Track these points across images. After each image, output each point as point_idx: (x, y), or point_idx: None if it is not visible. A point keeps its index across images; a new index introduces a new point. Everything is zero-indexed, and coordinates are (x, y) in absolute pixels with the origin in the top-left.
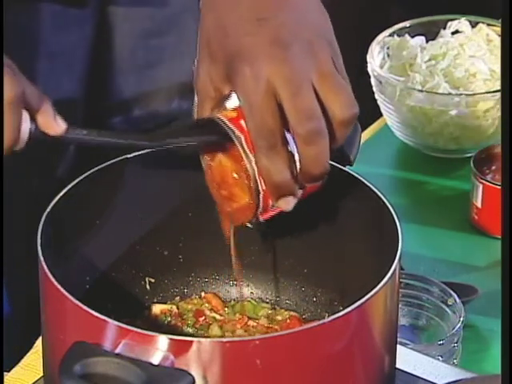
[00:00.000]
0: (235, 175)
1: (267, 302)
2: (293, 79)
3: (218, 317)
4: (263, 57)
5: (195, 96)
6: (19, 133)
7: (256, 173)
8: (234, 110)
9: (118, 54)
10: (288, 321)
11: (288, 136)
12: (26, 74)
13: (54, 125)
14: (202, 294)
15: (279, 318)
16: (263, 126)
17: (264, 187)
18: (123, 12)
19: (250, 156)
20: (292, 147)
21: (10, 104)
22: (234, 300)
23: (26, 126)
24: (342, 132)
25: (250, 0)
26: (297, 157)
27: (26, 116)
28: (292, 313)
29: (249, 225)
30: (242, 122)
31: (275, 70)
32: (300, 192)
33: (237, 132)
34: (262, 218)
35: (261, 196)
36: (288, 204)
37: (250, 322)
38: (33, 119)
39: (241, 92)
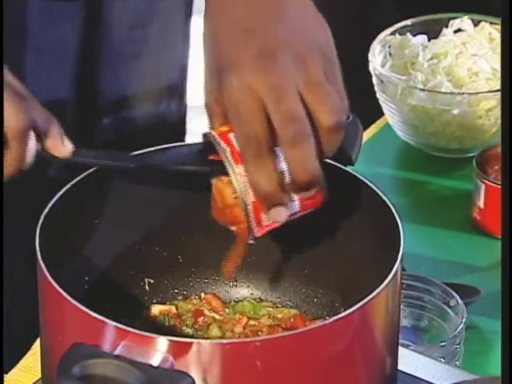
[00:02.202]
0: (233, 195)
1: (268, 302)
2: (277, 87)
3: (217, 317)
4: (249, 67)
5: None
6: (25, 158)
7: (241, 184)
8: (228, 124)
9: (107, 47)
10: (292, 320)
11: (278, 150)
12: (15, 71)
13: (61, 147)
14: (202, 294)
15: (280, 315)
16: (249, 134)
17: (253, 199)
18: (110, 4)
19: (235, 167)
20: (281, 159)
21: (17, 134)
22: (235, 301)
23: (33, 148)
24: (329, 139)
25: (238, 11)
26: (285, 167)
27: (32, 140)
28: (294, 310)
29: (250, 241)
30: (231, 135)
31: (261, 79)
32: (294, 204)
33: (222, 144)
34: (257, 234)
35: (249, 208)
36: (279, 215)
37: (251, 322)
38: (39, 140)
39: (228, 103)
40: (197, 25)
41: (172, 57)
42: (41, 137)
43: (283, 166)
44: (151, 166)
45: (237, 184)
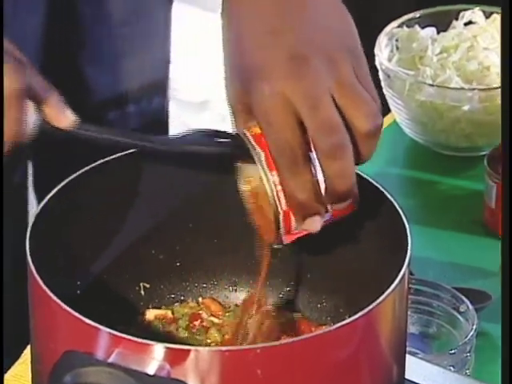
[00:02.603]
0: (265, 199)
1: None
2: (311, 93)
3: (216, 320)
4: (280, 73)
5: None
6: (22, 125)
7: (275, 192)
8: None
9: (91, 44)
10: (297, 325)
11: (313, 155)
12: None
13: (62, 117)
14: (200, 299)
15: (283, 320)
16: (283, 144)
17: (284, 208)
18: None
19: (269, 175)
20: (316, 166)
21: (12, 97)
22: (236, 305)
23: (31, 118)
24: (367, 145)
25: (265, 12)
26: (321, 176)
27: (30, 108)
28: (297, 315)
29: (275, 246)
30: (265, 139)
31: (292, 86)
32: (327, 213)
33: (257, 149)
34: (285, 241)
35: (280, 217)
36: (314, 224)
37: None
38: (38, 109)
39: (259, 110)
40: (178, 16)
41: (155, 52)
42: (40, 105)
43: (319, 175)
44: (158, 145)
45: (270, 191)
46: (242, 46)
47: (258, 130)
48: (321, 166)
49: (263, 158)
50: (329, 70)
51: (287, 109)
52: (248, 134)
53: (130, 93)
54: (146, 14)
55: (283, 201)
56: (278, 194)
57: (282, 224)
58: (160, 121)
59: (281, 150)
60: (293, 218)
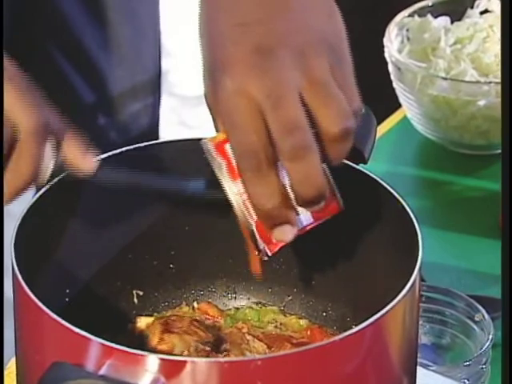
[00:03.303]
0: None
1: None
2: (274, 90)
3: (211, 325)
4: (244, 68)
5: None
6: (40, 168)
7: (241, 203)
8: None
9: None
10: (308, 332)
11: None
12: None
13: (83, 160)
14: (195, 304)
15: (289, 325)
16: (245, 146)
17: (255, 218)
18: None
19: (232, 185)
20: (284, 173)
21: (30, 134)
22: (236, 308)
23: (49, 160)
24: (334, 148)
25: (234, 4)
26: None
27: (49, 149)
28: (303, 321)
29: (264, 257)
30: (228, 146)
31: (256, 81)
32: (306, 217)
33: (218, 159)
34: (270, 252)
35: (253, 228)
36: (284, 234)
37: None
38: (57, 154)
39: (222, 108)
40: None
41: (147, 49)
42: (59, 145)
43: (286, 180)
44: (182, 190)
45: (235, 202)
46: (210, 41)
47: (222, 137)
48: (287, 171)
49: (224, 168)
50: (298, 66)
51: (250, 107)
52: (209, 143)
53: (121, 95)
54: (134, 10)
55: (252, 211)
56: (245, 204)
57: (257, 235)
58: (153, 120)
59: (243, 153)
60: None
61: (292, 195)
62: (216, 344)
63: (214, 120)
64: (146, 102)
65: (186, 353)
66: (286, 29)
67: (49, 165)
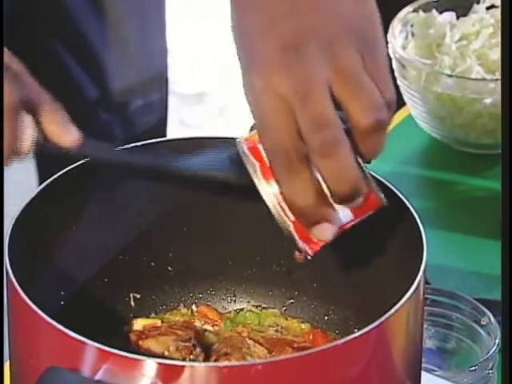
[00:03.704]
0: None
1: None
2: (302, 86)
3: (209, 328)
4: (272, 65)
5: None
6: (18, 140)
7: (277, 204)
8: None
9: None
10: (311, 336)
11: None
12: None
13: (64, 134)
14: (194, 307)
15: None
16: (276, 146)
17: (292, 218)
18: None
19: (266, 186)
20: None
21: (8, 110)
22: (235, 311)
23: (29, 133)
24: (367, 141)
25: (261, 0)
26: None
27: (28, 123)
28: (305, 325)
29: (308, 257)
30: (261, 146)
31: (284, 79)
32: (345, 214)
33: (251, 159)
34: (311, 251)
35: (292, 229)
36: (323, 233)
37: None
38: (38, 123)
39: (253, 107)
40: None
41: (153, 44)
42: (38, 119)
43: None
44: (172, 167)
45: (270, 204)
46: (242, 38)
47: (256, 136)
48: (318, 169)
49: (258, 169)
50: (327, 58)
51: (279, 105)
52: (243, 143)
53: (127, 91)
54: (140, 5)
55: (288, 211)
56: (281, 205)
57: (296, 236)
58: (160, 116)
59: (274, 152)
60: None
61: (328, 192)
62: (201, 343)
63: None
64: (154, 98)
65: (166, 353)
66: (313, 21)
67: (29, 138)
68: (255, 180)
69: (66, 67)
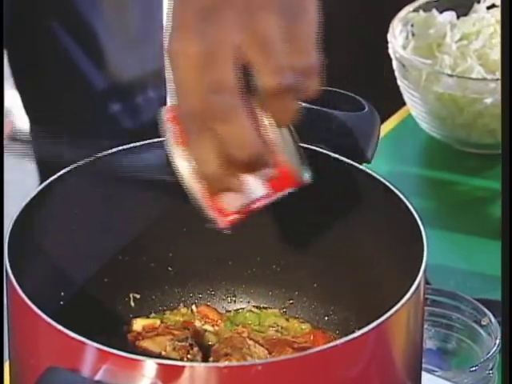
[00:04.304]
0: None
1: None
2: (210, 50)
3: (209, 328)
4: (189, 28)
5: None
6: None
7: (186, 171)
8: None
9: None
10: (312, 337)
11: None
12: None
13: None
14: (194, 307)
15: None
16: (186, 108)
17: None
18: None
19: (177, 150)
20: None
21: None
22: (236, 311)
23: None
24: (272, 105)
25: None
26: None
27: None
28: (305, 325)
29: (225, 231)
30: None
31: (197, 42)
32: (256, 188)
33: (168, 124)
34: (221, 224)
35: (199, 196)
36: (229, 202)
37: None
38: None
39: (172, 71)
40: None
41: (153, 39)
42: None
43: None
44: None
45: (181, 169)
46: (171, 6)
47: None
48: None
49: (171, 133)
50: (242, 23)
51: (193, 70)
52: (164, 111)
53: (133, 84)
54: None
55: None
56: (191, 172)
57: (206, 205)
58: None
59: (185, 115)
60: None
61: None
62: (201, 343)
63: None
64: (158, 90)
65: (163, 353)
66: None
67: None
68: (169, 145)
69: (70, 57)
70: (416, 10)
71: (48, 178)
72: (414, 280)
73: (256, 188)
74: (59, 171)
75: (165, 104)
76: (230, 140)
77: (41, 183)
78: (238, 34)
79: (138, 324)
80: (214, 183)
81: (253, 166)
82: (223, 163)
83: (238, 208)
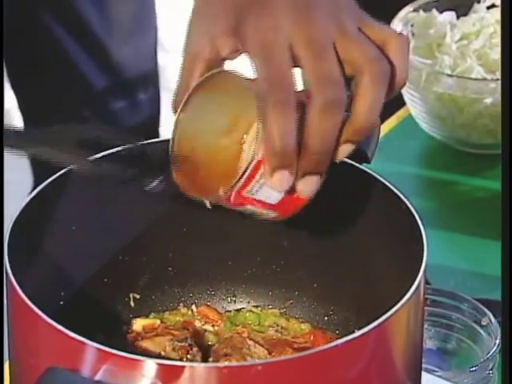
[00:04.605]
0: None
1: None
2: (315, 40)
3: (209, 328)
4: (286, 9)
5: (182, 61)
6: None
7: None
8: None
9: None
10: (312, 337)
11: None
12: None
13: None
14: (193, 307)
15: (291, 329)
16: (280, 78)
17: (260, 157)
18: None
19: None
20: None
21: None
22: (236, 311)
23: None
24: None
25: None
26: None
27: None
28: (305, 325)
29: (207, 204)
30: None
31: (298, 29)
32: (277, 193)
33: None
34: (231, 201)
35: (252, 165)
36: (281, 181)
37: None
38: None
39: (253, 42)
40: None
41: (146, 39)
42: None
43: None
44: None
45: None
46: None
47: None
48: (308, 121)
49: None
50: (333, 20)
51: (289, 48)
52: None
53: (124, 85)
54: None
55: (259, 150)
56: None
57: (248, 172)
58: (154, 113)
59: (276, 83)
60: (256, 178)
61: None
62: (201, 343)
63: (189, 66)
64: (148, 91)
65: (162, 353)
66: None
67: None
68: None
69: (70, 57)
70: (416, 10)
71: (42, 178)
72: (414, 280)
73: (273, 196)
74: (54, 172)
75: (159, 102)
76: (320, 131)
77: (35, 183)
78: (332, 29)
79: (138, 324)
80: (281, 157)
81: (317, 167)
82: (296, 145)
83: (284, 188)
